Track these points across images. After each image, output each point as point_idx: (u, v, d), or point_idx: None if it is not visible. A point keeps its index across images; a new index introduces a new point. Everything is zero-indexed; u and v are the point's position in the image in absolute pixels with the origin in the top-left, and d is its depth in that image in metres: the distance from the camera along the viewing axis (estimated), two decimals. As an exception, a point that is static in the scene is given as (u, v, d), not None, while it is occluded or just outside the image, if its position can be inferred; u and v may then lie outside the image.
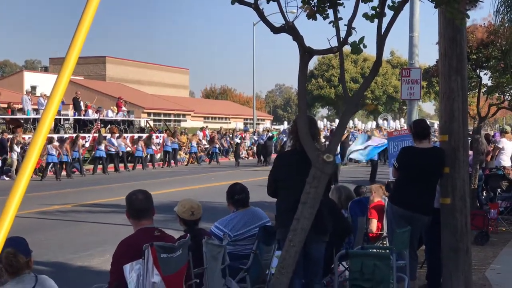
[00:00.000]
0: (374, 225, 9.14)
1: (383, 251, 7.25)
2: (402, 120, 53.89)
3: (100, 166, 30.54)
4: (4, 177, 26.91)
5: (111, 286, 4.93)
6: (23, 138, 28.14)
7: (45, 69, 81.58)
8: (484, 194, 14.90)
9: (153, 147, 34.51)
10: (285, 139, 36.08)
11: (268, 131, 42.41)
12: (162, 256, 4.90)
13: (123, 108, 38.46)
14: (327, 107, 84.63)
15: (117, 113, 37.35)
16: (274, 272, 5.65)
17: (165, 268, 4.90)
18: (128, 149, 33.15)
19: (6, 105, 32.23)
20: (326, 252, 6.49)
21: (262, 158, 38.03)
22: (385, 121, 52.49)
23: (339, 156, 22.90)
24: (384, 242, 9.38)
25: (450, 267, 7.43)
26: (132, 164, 32.90)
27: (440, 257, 7.60)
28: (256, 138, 43.83)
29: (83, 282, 8.78)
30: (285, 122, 53.96)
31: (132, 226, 5.31)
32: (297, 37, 5.35)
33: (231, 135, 45.69)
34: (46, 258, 10.15)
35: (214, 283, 5.78)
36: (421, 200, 7.47)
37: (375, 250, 7.60)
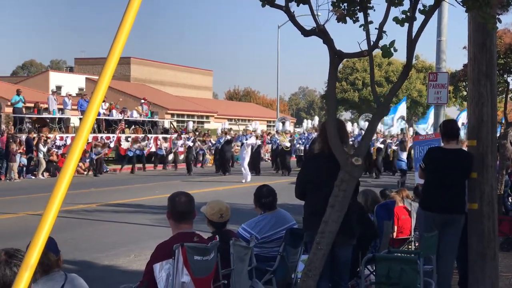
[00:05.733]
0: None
1: (410, 255, 7.22)
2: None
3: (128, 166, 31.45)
4: (30, 175, 27.22)
5: (141, 285, 4.98)
6: (49, 138, 28.43)
7: (70, 69, 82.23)
8: (510, 200, 14.78)
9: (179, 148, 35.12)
10: (244, 141, 29.10)
11: (225, 134, 33.45)
12: (196, 258, 4.92)
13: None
14: (350, 110, 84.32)
15: (141, 115, 37.62)
16: (301, 275, 5.65)
17: (196, 270, 4.91)
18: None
19: (32, 105, 32.60)
20: (352, 256, 6.47)
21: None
22: (367, 122, 51.32)
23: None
24: (409, 247, 9.35)
25: (476, 273, 7.38)
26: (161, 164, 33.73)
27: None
28: (213, 142, 36.58)
29: (110, 281, 8.87)
30: (255, 123, 42.39)
31: (171, 228, 5.31)
32: (328, 41, 5.34)
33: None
34: (72, 257, 10.24)
35: (240, 285, 5.80)
36: (453, 200, 7.31)
37: (400, 254, 7.58)
